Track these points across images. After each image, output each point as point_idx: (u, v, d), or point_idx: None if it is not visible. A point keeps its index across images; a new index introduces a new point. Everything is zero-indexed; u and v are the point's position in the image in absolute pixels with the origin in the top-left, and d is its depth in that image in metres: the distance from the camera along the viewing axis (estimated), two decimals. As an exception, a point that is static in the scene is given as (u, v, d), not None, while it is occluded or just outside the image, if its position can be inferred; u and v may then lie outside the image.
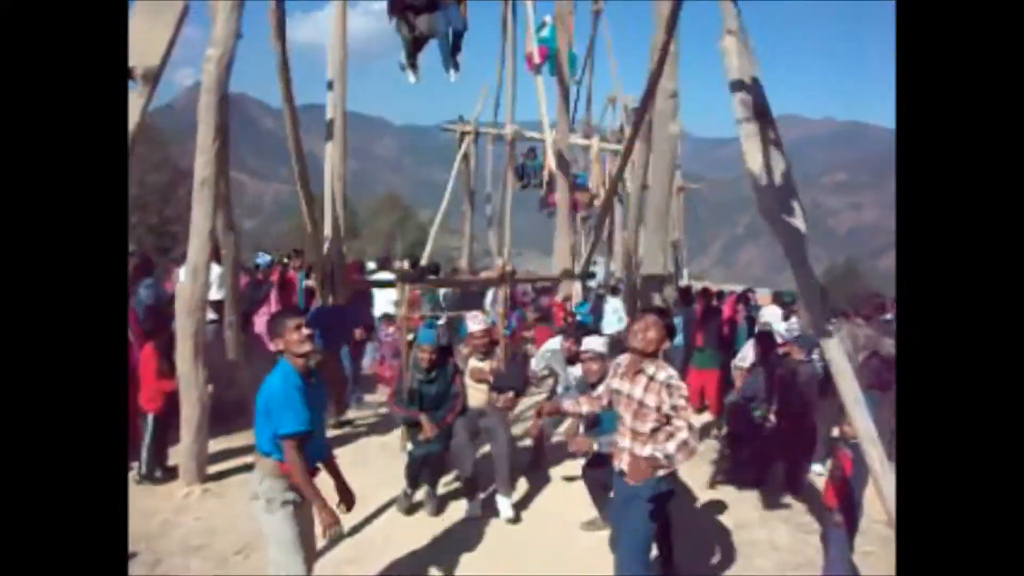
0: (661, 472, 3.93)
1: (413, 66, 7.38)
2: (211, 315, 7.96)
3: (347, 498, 3.99)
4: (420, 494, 6.06)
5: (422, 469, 5.94)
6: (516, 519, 5.91)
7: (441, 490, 6.16)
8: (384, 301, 10.49)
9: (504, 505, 5.93)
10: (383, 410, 8.80)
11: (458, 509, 6.01)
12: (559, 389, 6.92)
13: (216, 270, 7.82)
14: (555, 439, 7.35)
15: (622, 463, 4.10)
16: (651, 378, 3.97)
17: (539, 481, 6.77)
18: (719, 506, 6.44)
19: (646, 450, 3.95)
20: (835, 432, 5.19)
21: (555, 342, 7.34)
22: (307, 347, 3.69)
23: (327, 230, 7.17)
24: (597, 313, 11.93)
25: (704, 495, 6.69)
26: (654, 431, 3.95)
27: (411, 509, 5.98)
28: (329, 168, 7.45)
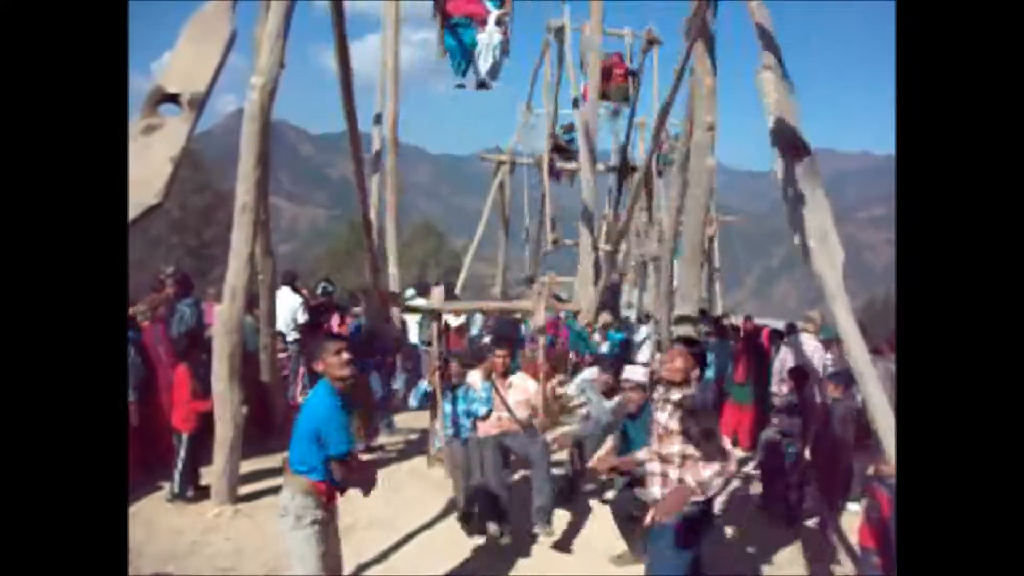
0: (694, 499, 3.90)
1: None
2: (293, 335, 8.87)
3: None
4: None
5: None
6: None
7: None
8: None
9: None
10: (413, 436, 8.80)
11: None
12: (592, 418, 6.86)
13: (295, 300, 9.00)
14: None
15: (654, 487, 4.09)
16: (676, 404, 3.99)
17: (570, 510, 6.68)
18: (749, 543, 6.30)
19: (675, 474, 3.94)
20: (870, 471, 5.08)
21: (591, 372, 7.32)
22: (347, 371, 3.85)
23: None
24: (627, 345, 11.81)
25: (734, 532, 6.56)
26: (684, 457, 3.94)
27: None
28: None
